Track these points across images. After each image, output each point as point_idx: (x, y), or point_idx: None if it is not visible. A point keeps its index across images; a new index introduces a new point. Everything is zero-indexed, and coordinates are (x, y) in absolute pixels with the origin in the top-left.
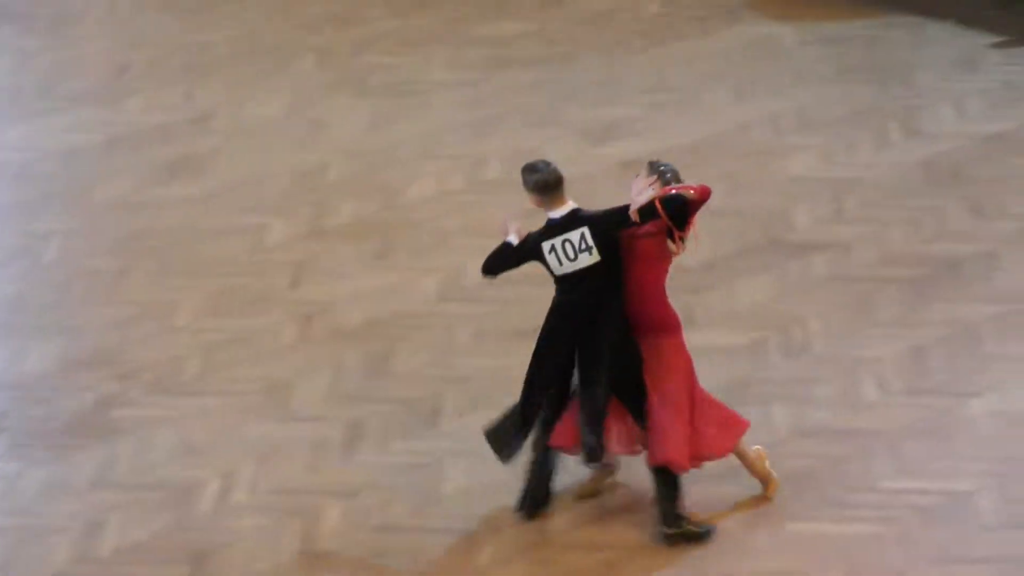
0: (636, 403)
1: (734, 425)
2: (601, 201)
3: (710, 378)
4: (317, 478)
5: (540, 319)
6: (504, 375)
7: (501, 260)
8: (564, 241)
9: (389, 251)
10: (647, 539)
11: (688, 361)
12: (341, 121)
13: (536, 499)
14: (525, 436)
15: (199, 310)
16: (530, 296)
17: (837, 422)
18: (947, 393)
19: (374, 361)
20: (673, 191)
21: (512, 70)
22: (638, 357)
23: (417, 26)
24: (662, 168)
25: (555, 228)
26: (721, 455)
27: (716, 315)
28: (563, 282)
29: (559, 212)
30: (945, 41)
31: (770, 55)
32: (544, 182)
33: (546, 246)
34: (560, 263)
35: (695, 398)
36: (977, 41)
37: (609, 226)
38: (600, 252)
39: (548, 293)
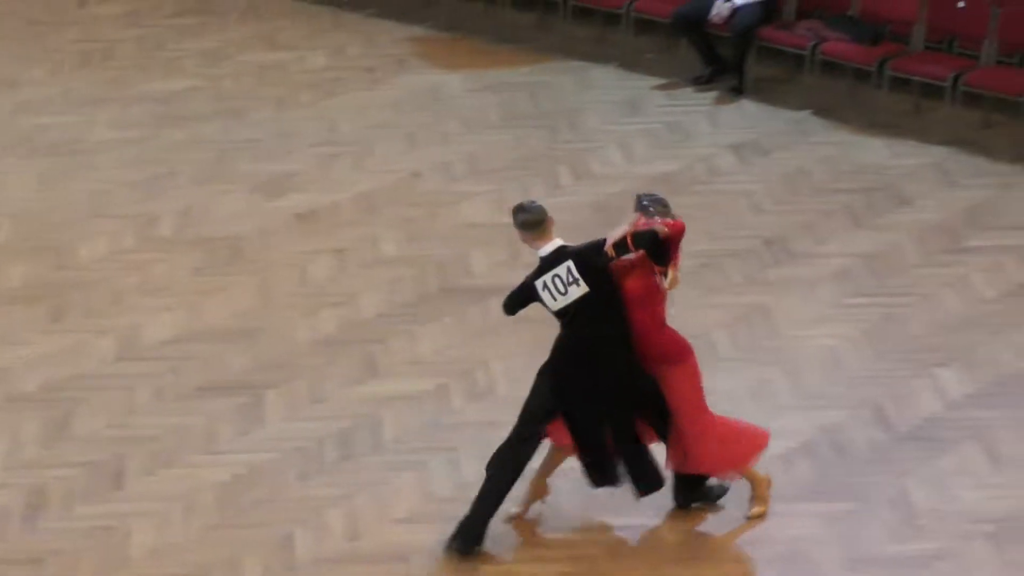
0: (661, 423)
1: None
2: (276, 255)
3: (396, 426)
4: None
5: (220, 376)
6: (187, 432)
7: (515, 302)
8: (554, 277)
9: (63, 313)
10: None
11: (693, 389)
12: (7, 184)
13: (476, 534)
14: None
15: None
16: (207, 353)
17: None
18: None
19: (53, 426)
20: (644, 226)
21: (181, 126)
22: (651, 381)
23: (81, 86)
24: (644, 203)
25: (545, 265)
26: (719, 473)
27: (399, 363)
28: (563, 317)
29: (547, 249)
30: (609, 85)
31: (439, 104)
32: (528, 221)
33: (539, 284)
34: (554, 299)
35: (704, 420)
36: (639, 84)
37: (590, 258)
38: (587, 283)
39: (226, 350)
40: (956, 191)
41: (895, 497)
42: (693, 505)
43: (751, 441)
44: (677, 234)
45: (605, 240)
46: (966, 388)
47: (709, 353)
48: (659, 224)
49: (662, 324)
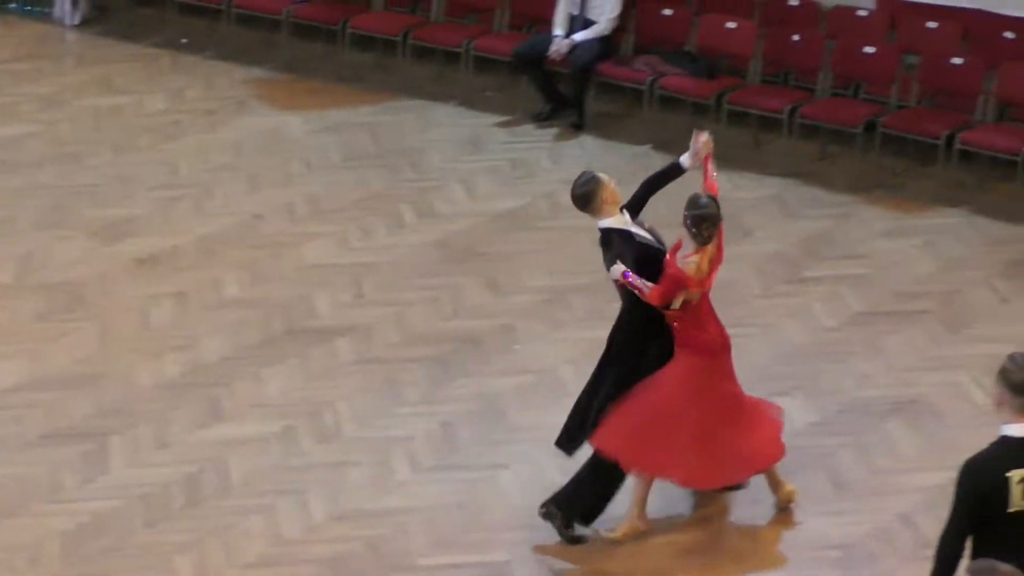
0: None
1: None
2: (114, 300)
3: (243, 469)
4: None
5: (63, 423)
6: (30, 481)
7: None
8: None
9: None
10: None
11: (684, 381)
12: None
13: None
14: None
15: None
16: (49, 400)
17: (372, 503)
18: (477, 467)
19: None
20: (634, 281)
21: (18, 172)
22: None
23: None
24: (685, 213)
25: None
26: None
27: (245, 405)
28: None
29: (600, 224)
30: (451, 123)
31: (280, 145)
32: (574, 198)
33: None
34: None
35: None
36: (481, 121)
37: (606, 258)
38: (609, 272)
39: (68, 397)
40: (795, 222)
41: (743, 525)
42: (549, 518)
43: (683, 469)
44: (652, 303)
45: (614, 257)
46: (810, 416)
47: (556, 387)
48: (643, 291)
49: (681, 322)
